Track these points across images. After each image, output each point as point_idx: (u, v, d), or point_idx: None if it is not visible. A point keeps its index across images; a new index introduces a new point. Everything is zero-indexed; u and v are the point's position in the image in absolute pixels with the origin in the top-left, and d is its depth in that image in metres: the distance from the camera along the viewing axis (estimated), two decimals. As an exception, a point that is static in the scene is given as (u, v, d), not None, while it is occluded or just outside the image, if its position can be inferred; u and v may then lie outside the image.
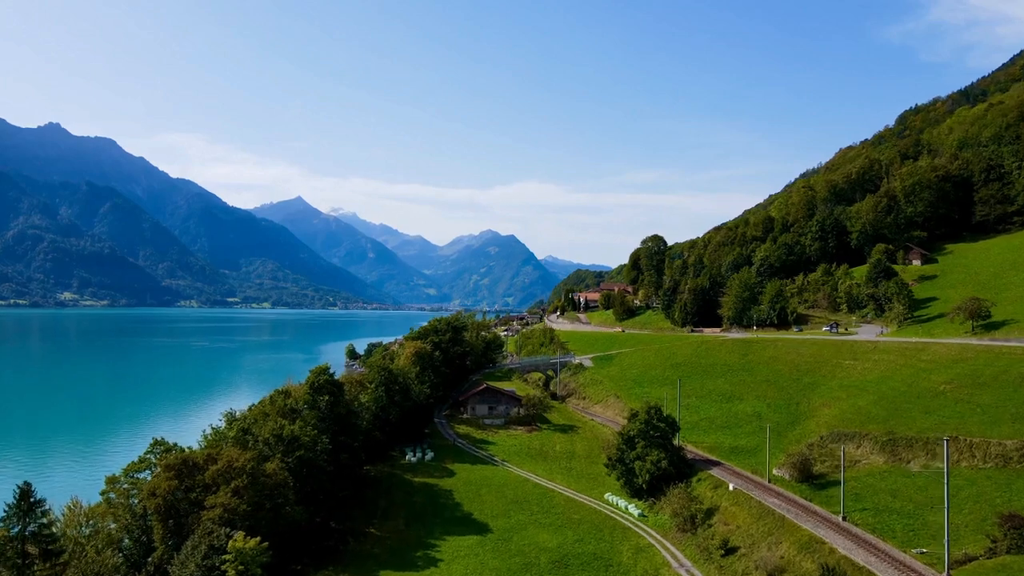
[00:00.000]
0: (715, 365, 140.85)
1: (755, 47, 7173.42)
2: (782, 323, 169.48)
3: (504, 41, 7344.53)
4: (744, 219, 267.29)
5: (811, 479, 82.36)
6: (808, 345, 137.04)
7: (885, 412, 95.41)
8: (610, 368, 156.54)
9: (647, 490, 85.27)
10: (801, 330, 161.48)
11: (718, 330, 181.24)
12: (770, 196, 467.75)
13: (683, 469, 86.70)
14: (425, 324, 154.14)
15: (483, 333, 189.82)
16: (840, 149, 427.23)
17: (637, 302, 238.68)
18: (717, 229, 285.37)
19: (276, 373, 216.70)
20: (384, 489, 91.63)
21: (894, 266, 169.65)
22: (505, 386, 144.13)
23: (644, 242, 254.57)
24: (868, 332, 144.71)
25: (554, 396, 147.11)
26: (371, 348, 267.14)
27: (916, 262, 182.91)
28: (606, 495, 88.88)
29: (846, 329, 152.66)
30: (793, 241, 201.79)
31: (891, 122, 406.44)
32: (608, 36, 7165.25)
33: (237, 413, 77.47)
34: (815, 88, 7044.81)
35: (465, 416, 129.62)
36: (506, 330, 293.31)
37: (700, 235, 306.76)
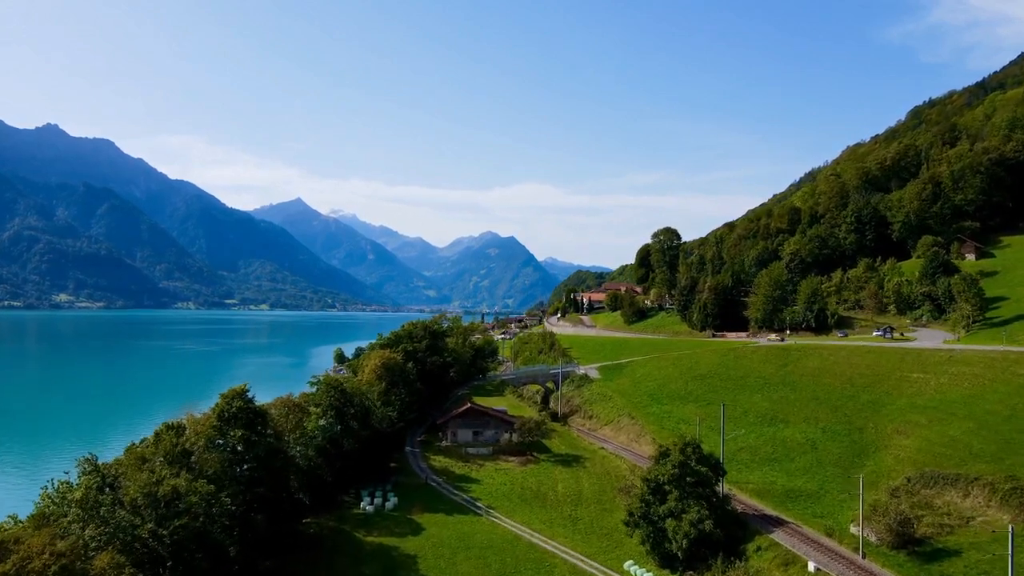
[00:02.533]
0: (748, 377, 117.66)
1: (755, 47, 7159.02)
2: (821, 327, 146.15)
3: (504, 41, 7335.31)
4: (767, 210, 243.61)
5: (911, 544, 59.65)
6: (861, 354, 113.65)
7: (993, 446, 72.37)
8: (620, 380, 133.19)
9: (683, 560, 61.90)
10: (846, 335, 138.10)
11: (744, 334, 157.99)
12: (774, 196, 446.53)
13: (734, 531, 63.23)
14: (398, 329, 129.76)
15: (472, 338, 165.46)
16: (848, 146, 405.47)
17: (648, 303, 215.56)
18: (729, 226, 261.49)
19: (259, 379, 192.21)
20: (325, 555, 67.98)
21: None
22: (496, 403, 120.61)
23: (655, 236, 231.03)
24: (929, 338, 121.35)
25: (554, 416, 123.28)
26: (359, 351, 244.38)
27: (970, 256, 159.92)
28: (626, 564, 65.40)
29: (901, 334, 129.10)
30: (826, 233, 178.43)
31: (893, 123, 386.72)
32: (608, 36, 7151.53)
33: (99, 459, 53.71)
34: (815, 89, 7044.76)
35: (444, 443, 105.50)
36: (503, 333, 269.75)
37: (703, 235, 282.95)
